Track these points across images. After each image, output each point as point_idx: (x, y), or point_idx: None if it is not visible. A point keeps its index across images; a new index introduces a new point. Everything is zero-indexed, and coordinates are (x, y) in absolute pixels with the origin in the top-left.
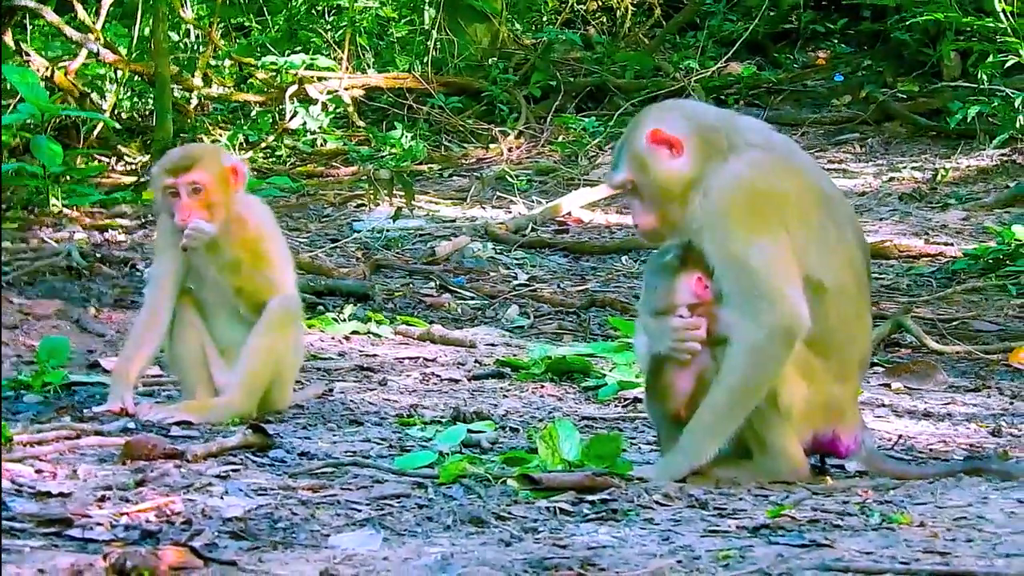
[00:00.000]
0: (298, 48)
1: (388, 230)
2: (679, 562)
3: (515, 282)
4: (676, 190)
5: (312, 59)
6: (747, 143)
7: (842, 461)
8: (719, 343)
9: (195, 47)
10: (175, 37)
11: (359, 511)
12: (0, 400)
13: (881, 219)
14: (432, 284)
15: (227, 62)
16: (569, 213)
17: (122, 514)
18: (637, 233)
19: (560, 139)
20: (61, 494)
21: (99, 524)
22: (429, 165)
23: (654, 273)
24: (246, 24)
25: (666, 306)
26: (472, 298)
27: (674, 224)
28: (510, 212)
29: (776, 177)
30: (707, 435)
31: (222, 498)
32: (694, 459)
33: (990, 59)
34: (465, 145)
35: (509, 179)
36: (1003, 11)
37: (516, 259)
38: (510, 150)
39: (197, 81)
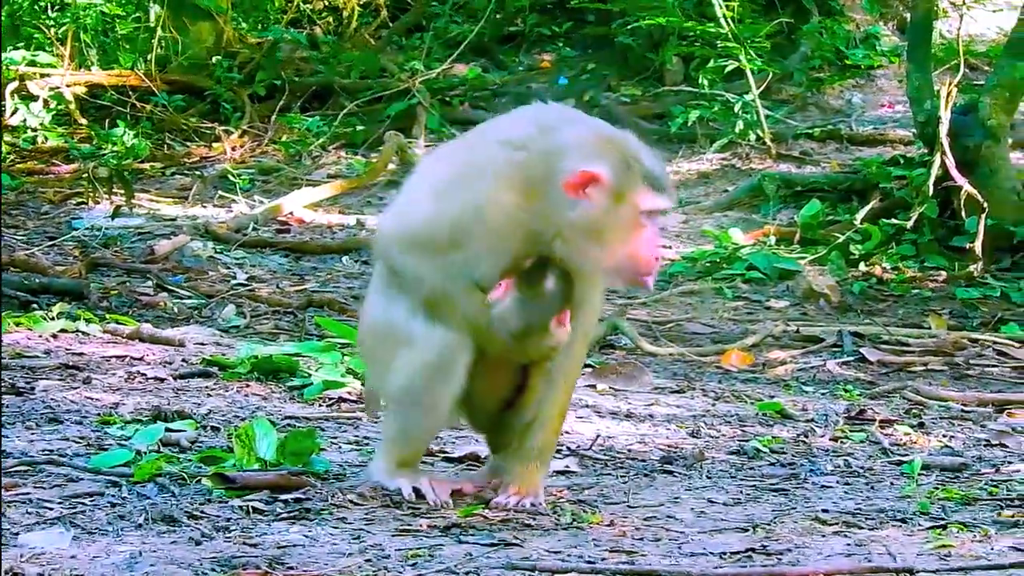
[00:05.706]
0: (20, 44)
1: (107, 228)
2: (368, 561)
3: (234, 281)
4: None
5: (34, 55)
6: None
7: None
8: None
9: None
10: None
11: (50, 509)
12: None
13: None
14: (149, 283)
15: None
16: (291, 213)
17: None
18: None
19: (284, 138)
20: None
21: None
22: (151, 163)
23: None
24: None
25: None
26: (189, 297)
27: None
28: (232, 211)
29: None
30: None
31: None
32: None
33: (711, 64)
34: (188, 144)
35: (231, 178)
36: (724, 17)
37: (236, 259)
38: (233, 149)
39: None
